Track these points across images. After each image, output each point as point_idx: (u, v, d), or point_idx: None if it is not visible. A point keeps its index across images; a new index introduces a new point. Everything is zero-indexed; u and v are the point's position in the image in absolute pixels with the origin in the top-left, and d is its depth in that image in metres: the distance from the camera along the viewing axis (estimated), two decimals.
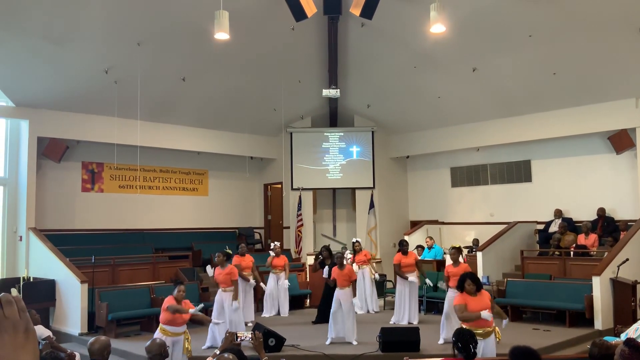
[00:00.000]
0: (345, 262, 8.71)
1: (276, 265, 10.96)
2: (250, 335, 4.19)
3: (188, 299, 6.97)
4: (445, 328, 8.14)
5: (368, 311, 11.06)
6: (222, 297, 8.58)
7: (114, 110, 11.44)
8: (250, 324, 9.47)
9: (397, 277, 9.97)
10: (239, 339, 4.21)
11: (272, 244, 11.30)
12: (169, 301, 6.65)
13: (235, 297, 8.47)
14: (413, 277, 9.63)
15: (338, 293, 8.47)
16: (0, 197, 11.34)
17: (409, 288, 9.75)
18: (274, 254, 10.96)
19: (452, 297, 7.85)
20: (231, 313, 8.47)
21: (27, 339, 0.99)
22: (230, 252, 9.18)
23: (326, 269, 8.56)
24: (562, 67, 10.85)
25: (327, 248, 10.67)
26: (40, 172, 11.50)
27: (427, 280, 10.49)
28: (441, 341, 8.14)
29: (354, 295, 8.56)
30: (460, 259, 8.85)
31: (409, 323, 9.51)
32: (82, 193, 12.56)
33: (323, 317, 9.54)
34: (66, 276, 9.91)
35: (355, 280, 8.77)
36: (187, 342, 6.65)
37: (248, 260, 10.33)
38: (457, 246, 8.97)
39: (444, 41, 10.63)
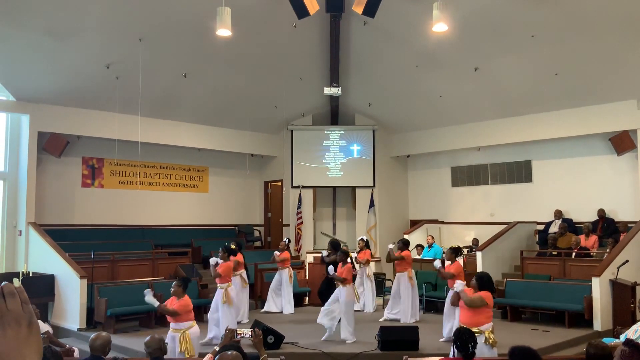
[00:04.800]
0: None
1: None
2: (250, 333, 4.19)
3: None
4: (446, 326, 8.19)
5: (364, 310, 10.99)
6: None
7: (115, 105, 11.42)
8: (245, 322, 9.55)
9: (396, 274, 10.03)
10: (238, 336, 4.20)
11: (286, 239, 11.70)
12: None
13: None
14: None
15: (339, 289, 8.43)
16: (0, 192, 11.32)
17: (403, 286, 9.79)
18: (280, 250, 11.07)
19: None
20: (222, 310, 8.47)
21: (30, 333, 0.95)
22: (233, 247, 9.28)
23: (331, 267, 8.48)
24: (564, 67, 10.84)
25: (336, 244, 10.62)
26: (40, 167, 11.49)
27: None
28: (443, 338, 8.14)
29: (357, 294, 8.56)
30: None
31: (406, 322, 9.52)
32: (82, 188, 12.55)
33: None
34: (65, 271, 9.90)
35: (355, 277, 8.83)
36: (184, 341, 6.35)
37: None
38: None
39: (446, 40, 10.60)
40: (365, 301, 11.00)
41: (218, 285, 8.63)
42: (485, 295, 5.93)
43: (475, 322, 5.78)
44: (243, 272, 10.09)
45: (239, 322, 9.18)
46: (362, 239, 11.51)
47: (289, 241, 11.80)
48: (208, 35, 9.96)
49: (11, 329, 0.94)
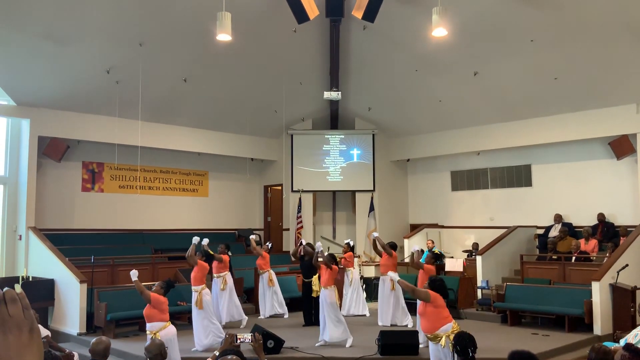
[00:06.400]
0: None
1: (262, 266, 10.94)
2: (249, 337, 4.18)
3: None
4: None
5: (352, 314, 10.79)
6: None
7: (115, 110, 11.45)
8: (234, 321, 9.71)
9: (380, 278, 10.13)
10: (238, 341, 4.20)
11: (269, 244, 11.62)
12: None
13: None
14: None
15: (322, 293, 8.43)
16: (0, 196, 11.32)
17: (387, 290, 9.79)
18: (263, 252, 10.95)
19: None
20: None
21: (31, 339, 0.96)
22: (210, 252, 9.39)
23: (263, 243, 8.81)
24: (563, 72, 10.86)
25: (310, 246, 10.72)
26: (40, 172, 11.49)
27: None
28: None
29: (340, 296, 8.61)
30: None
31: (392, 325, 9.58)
32: (82, 193, 12.55)
33: (309, 320, 9.83)
34: (65, 276, 9.89)
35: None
36: None
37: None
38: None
39: (445, 45, 10.63)
40: (350, 305, 10.89)
41: (192, 288, 8.64)
42: (433, 293, 5.80)
43: (430, 328, 5.73)
44: (227, 274, 10.04)
45: (223, 326, 9.06)
46: (347, 243, 11.43)
47: (271, 246, 11.79)
48: (208, 40, 9.99)
49: (12, 335, 0.94)
